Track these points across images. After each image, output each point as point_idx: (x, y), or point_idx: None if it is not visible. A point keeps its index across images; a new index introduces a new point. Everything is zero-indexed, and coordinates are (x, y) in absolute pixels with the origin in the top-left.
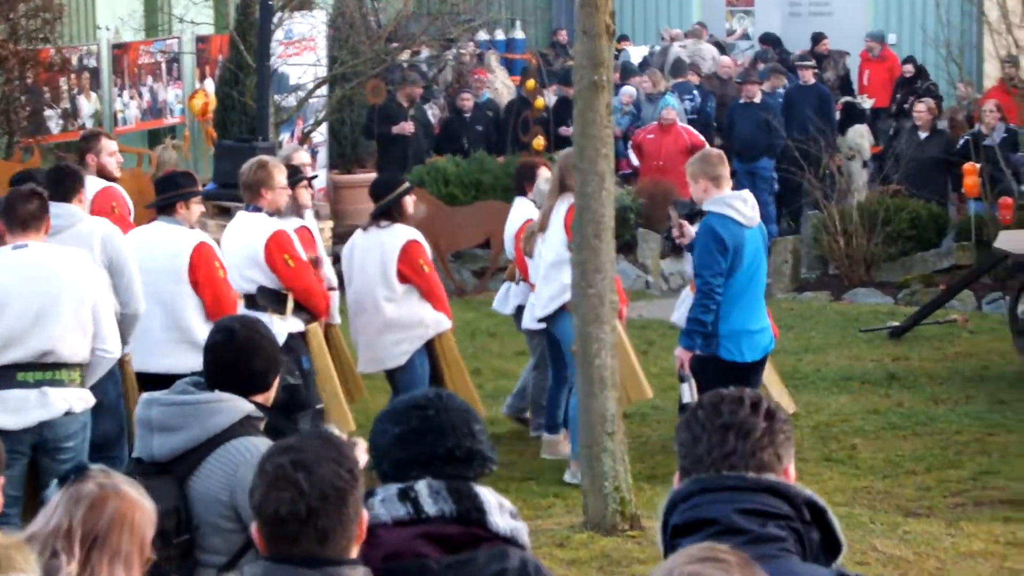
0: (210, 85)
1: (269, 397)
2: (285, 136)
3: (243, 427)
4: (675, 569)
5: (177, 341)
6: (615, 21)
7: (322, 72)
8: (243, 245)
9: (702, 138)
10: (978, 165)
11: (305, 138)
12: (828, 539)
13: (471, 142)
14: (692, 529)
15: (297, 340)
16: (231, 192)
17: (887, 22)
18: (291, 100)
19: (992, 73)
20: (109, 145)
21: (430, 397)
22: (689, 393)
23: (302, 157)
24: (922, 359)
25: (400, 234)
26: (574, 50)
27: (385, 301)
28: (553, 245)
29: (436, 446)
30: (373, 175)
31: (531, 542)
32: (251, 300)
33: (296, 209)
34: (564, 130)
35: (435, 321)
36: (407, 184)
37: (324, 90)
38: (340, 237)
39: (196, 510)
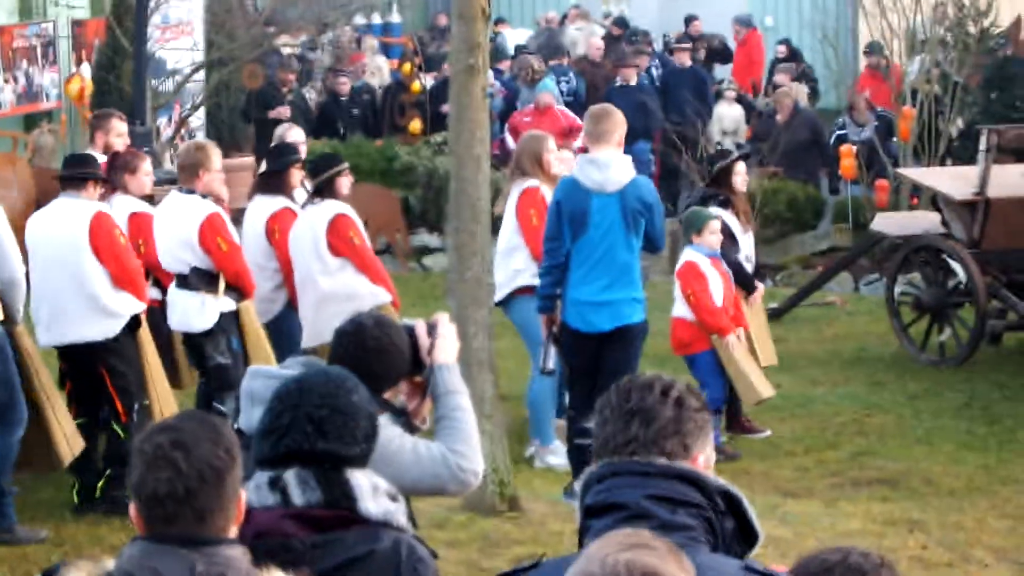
0: (87, 69)
1: (393, 395)
2: (163, 120)
3: None
4: (609, 556)
5: (87, 310)
6: (491, 4)
7: (199, 57)
8: (177, 227)
9: (579, 120)
10: (854, 147)
11: (182, 122)
12: (744, 528)
13: (348, 126)
14: (603, 511)
15: (228, 320)
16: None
17: (763, 5)
18: (168, 85)
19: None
20: None
21: (290, 389)
22: (547, 359)
23: (295, 135)
24: (800, 341)
25: (329, 208)
26: (450, 34)
27: (320, 275)
28: (505, 231)
29: (300, 441)
30: (251, 159)
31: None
32: (183, 280)
33: (286, 190)
34: (445, 108)
35: (371, 294)
36: (343, 164)
37: (201, 75)
38: None
39: None
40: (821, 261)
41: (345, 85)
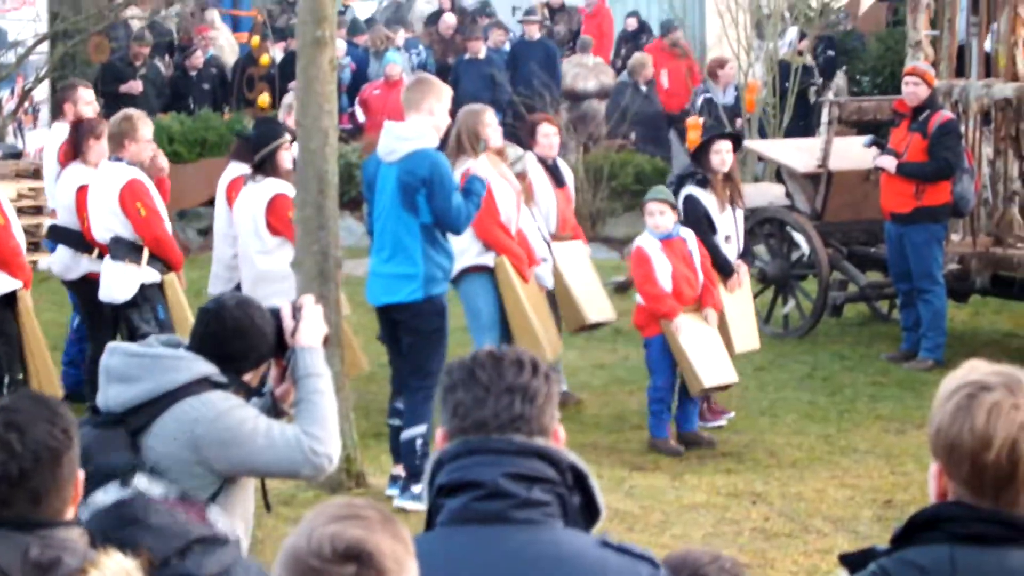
0: None
1: (255, 377)
2: (4, 93)
3: (200, 387)
4: (315, 530)
5: None
6: None
7: (42, 28)
8: (102, 194)
9: None
10: (702, 120)
11: (25, 95)
12: (587, 504)
13: (197, 100)
14: (457, 490)
15: (153, 290)
16: None
17: None
18: (10, 56)
19: (712, 28)
20: None
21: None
22: None
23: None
24: None
25: (269, 187)
26: (298, 7)
27: (257, 254)
28: None
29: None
30: None
31: (256, 502)
32: (103, 248)
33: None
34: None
35: None
36: (283, 137)
37: (45, 47)
38: None
39: (153, 468)
40: None
41: (195, 59)
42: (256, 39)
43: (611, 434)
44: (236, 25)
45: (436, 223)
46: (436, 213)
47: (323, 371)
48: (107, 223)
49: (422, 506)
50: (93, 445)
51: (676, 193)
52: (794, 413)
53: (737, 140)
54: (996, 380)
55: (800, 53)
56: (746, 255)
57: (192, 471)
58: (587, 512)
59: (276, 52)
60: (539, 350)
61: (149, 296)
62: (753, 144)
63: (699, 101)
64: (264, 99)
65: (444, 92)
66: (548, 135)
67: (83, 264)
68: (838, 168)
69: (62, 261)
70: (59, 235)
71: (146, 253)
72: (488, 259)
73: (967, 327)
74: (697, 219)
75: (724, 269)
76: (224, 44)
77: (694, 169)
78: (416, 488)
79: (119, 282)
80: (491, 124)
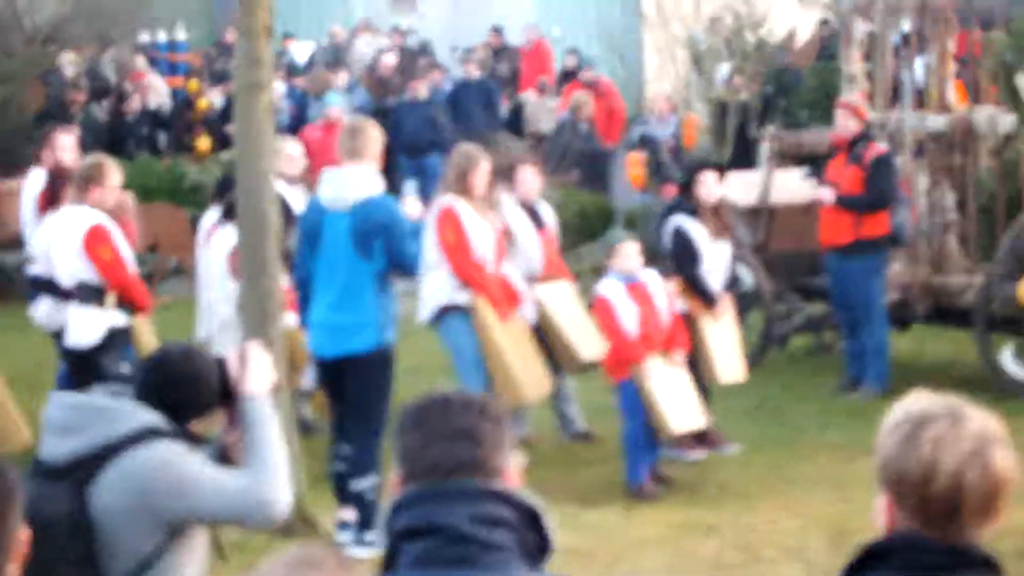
0: None
1: (204, 426)
2: None
3: (145, 437)
4: None
5: None
6: (272, 18)
7: None
8: (65, 238)
9: None
10: (643, 155)
11: None
12: (540, 541)
13: (136, 145)
14: (419, 534)
15: (121, 335)
16: None
17: (549, 15)
18: None
19: (650, 64)
20: None
21: None
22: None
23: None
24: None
25: (232, 234)
26: (234, 50)
27: (221, 303)
28: (429, 247)
29: None
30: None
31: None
32: (74, 295)
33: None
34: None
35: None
36: None
37: None
38: (2, 245)
39: (98, 520)
40: None
41: (132, 103)
42: (194, 83)
43: (563, 469)
44: (174, 69)
45: (393, 267)
46: (394, 257)
47: (270, 418)
48: (72, 268)
49: (375, 553)
50: (37, 499)
51: (663, 224)
52: (744, 444)
53: (722, 170)
54: (940, 411)
55: (737, 88)
56: (733, 285)
57: (139, 522)
58: (540, 549)
59: (215, 96)
60: (515, 391)
61: (117, 341)
62: None
63: (637, 136)
64: (204, 143)
65: (380, 138)
66: (527, 177)
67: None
68: (780, 201)
69: (45, 311)
70: (40, 285)
71: (112, 297)
72: (463, 298)
73: (910, 356)
74: (684, 250)
75: (708, 299)
76: (160, 89)
77: (682, 200)
78: (369, 536)
79: (85, 327)
80: (482, 170)
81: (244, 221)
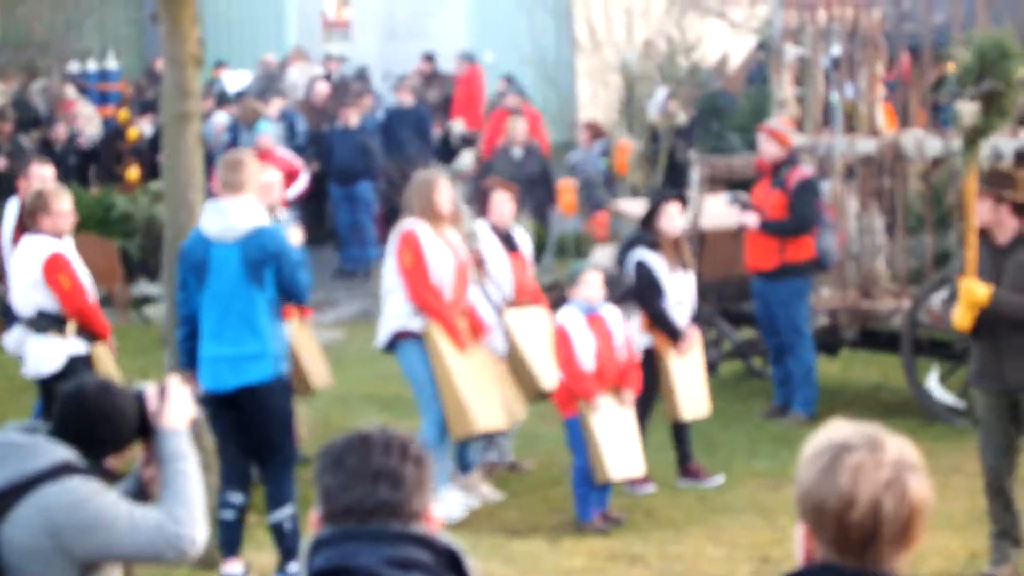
0: None
1: (118, 461)
2: None
3: (59, 473)
4: None
5: None
6: (203, 47)
7: None
8: (24, 268)
9: (299, 163)
10: (574, 181)
11: None
12: None
13: (64, 174)
14: (336, 575)
15: (81, 362)
16: None
17: (483, 41)
18: None
19: (584, 89)
20: None
21: None
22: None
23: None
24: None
25: None
26: (163, 81)
27: None
28: (388, 271)
29: None
30: None
31: None
32: (33, 324)
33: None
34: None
35: None
36: None
37: None
38: None
39: (8, 559)
40: (547, 296)
41: (60, 133)
42: (124, 112)
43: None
44: (104, 98)
45: (283, 296)
46: (285, 286)
47: (188, 453)
48: (30, 297)
49: None
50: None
51: (624, 257)
52: (671, 473)
53: (684, 201)
54: (858, 440)
55: (671, 113)
56: (698, 318)
57: (51, 560)
58: None
59: (145, 126)
60: (464, 419)
61: (77, 368)
62: (623, 205)
63: (570, 162)
64: (133, 173)
65: (259, 170)
66: (501, 202)
67: None
68: (709, 226)
69: (15, 339)
70: (13, 313)
71: (72, 325)
72: (417, 324)
73: (838, 380)
74: (647, 284)
75: (673, 334)
76: (91, 117)
77: (642, 233)
78: (292, 567)
79: (46, 355)
80: (444, 191)
81: (172, 254)
